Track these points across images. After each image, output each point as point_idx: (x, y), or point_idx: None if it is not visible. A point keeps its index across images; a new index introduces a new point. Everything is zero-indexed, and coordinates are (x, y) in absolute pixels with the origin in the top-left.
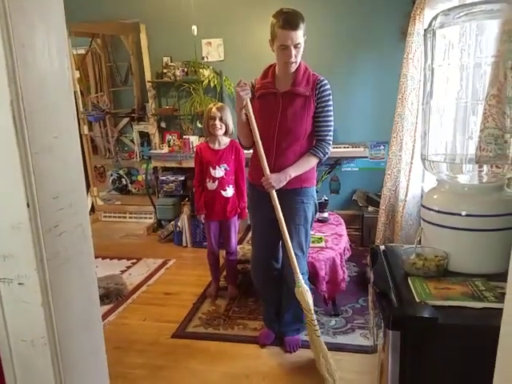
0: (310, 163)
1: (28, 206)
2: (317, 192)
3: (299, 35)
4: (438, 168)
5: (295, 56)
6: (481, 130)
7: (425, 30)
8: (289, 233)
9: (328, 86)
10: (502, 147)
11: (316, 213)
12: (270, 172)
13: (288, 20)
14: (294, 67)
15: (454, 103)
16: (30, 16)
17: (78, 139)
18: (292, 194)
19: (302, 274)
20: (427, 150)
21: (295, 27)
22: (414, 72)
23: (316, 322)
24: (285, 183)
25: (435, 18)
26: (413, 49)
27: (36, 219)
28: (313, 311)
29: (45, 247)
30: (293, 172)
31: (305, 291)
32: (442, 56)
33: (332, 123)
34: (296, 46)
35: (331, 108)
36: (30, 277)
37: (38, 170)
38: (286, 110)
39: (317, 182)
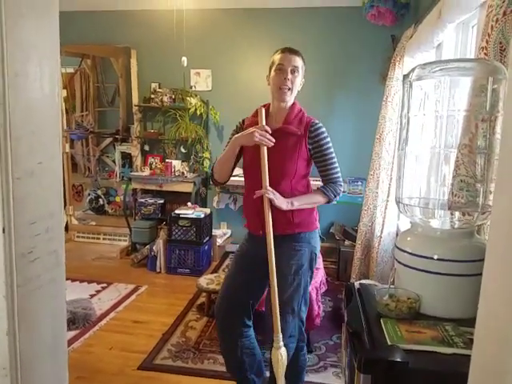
0: (316, 199)
1: (3, 231)
2: (321, 239)
3: (298, 60)
4: (412, 211)
5: (291, 81)
6: (453, 177)
7: (403, 81)
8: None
9: (323, 129)
10: (472, 194)
11: (313, 263)
12: (255, 208)
13: (288, 47)
14: (288, 96)
15: (428, 150)
16: (26, 46)
17: (61, 164)
18: (281, 240)
19: (290, 336)
20: (401, 193)
21: (294, 52)
22: (392, 114)
23: None
24: (285, 207)
25: (413, 70)
26: (392, 92)
27: (10, 245)
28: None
29: (16, 273)
30: (296, 201)
31: (279, 357)
32: (418, 106)
33: (337, 164)
34: (293, 71)
35: (332, 150)
36: None
37: (17, 195)
38: (276, 147)
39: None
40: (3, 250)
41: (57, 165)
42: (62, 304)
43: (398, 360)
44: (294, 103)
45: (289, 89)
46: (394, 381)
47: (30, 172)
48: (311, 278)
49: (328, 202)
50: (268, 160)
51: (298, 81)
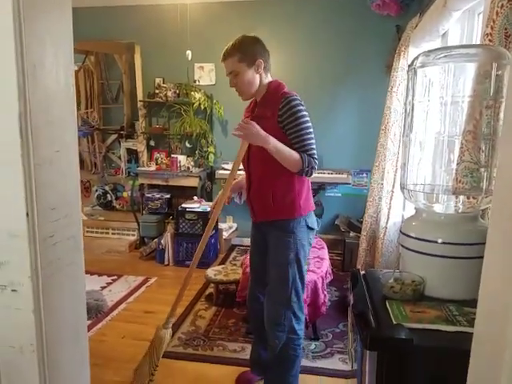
0: (291, 156)
1: (27, 215)
2: (309, 228)
3: (228, 63)
4: (416, 197)
5: (235, 84)
6: (457, 163)
7: (407, 69)
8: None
9: (295, 103)
10: (476, 180)
11: (300, 254)
12: (248, 197)
13: (222, 54)
14: (243, 96)
15: (432, 137)
16: (42, 39)
17: (77, 154)
18: (268, 227)
19: (276, 324)
20: (406, 179)
21: (224, 58)
22: (397, 105)
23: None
24: (259, 141)
25: (417, 57)
26: (397, 83)
27: (34, 228)
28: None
29: (40, 256)
30: (275, 143)
31: (164, 336)
32: (423, 93)
33: (312, 140)
34: (231, 74)
35: (306, 124)
36: (23, 284)
37: (38, 182)
38: None
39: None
40: (27, 233)
41: (73, 154)
42: (82, 286)
43: (403, 337)
44: (269, 84)
45: (238, 91)
46: (399, 357)
47: (49, 160)
48: (301, 267)
49: (299, 172)
50: (250, 149)
51: (243, 77)
